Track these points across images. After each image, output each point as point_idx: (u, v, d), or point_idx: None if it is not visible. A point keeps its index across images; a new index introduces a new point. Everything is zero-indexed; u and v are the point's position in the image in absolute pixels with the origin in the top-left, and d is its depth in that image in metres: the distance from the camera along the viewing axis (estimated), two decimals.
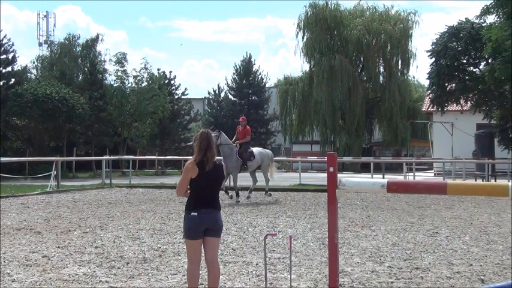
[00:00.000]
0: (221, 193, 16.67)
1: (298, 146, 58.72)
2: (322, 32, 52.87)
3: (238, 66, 65.16)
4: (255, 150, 22.57)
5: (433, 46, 38.19)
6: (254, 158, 21.86)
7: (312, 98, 52.73)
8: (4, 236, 12.76)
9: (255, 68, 65.21)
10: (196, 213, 6.70)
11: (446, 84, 38.00)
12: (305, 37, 54.16)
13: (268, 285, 7.47)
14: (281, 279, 8.55)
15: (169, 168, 49.98)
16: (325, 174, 5.61)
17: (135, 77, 49.83)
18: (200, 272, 7.06)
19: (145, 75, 50.09)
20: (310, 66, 54.63)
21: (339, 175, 5.54)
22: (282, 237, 12.23)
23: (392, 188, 5.44)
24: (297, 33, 54.79)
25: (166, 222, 15.17)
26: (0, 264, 9.59)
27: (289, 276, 8.17)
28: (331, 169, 5.49)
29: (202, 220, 6.71)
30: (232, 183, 22.02)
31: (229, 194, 21.16)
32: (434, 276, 8.85)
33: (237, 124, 23.32)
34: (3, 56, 46.68)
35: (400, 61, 54.43)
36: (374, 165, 35.81)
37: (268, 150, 23.85)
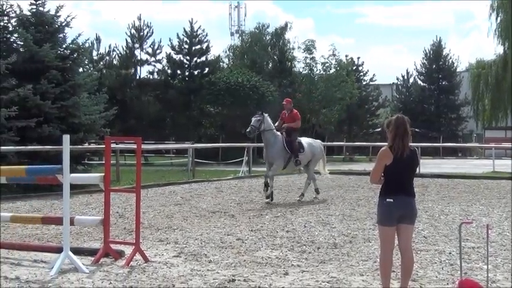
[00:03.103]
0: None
1: (491, 132, 56.31)
2: None
3: (427, 51, 63.54)
4: (304, 141, 17.94)
5: None
6: (304, 151, 17.41)
7: (506, 82, 50.24)
8: (201, 218, 13.32)
9: (445, 52, 63.25)
10: (391, 200, 6.58)
11: None
12: (499, 18, 51.52)
13: (462, 274, 7.21)
14: (476, 269, 8.23)
15: (357, 155, 49.80)
16: None
17: (323, 63, 50.07)
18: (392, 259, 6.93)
19: (333, 61, 50.15)
20: (504, 49, 51.97)
21: None
22: (476, 226, 11.76)
23: None
24: (490, 14, 52.23)
25: (356, 208, 15.10)
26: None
27: (484, 266, 7.84)
28: None
29: (398, 207, 6.58)
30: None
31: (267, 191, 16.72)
32: None
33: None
34: (198, 47, 48.69)
35: None
36: None
37: (318, 141, 19.38)
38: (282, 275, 7.91)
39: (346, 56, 54.89)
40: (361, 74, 59.08)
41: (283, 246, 9.87)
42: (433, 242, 10.28)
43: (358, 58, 59.56)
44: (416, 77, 64.35)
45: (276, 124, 17.55)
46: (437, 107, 61.49)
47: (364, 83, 58.68)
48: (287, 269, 8.26)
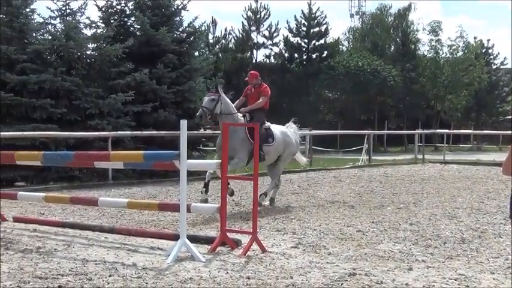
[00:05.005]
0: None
1: None
2: None
3: None
4: (275, 128, 13.89)
5: None
6: (274, 141, 13.51)
7: None
8: (319, 208, 13.30)
9: None
10: None
11: None
12: None
13: None
14: None
15: (485, 144, 48.38)
16: None
17: (449, 46, 48.94)
18: None
19: (461, 44, 48.91)
20: None
21: None
22: None
23: None
24: None
25: (485, 201, 14.67)
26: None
27: None
28: None
29: None
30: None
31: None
32: None
33: None
34: (316, 29, 48.66)
35: None
36: None
37: (293, 128, 14.80)
38: (406, 270, 7.78)
39: (475, 38, 53.49)
40: (491, 57, 57.26)
41: (406, 240, 9.72)
42: None
43: (488, 40, 57.85)
44: None
45: (236, 103, 13.46)
46: None
47: (494, 66, 56.86)
48: (411, 264, 8.13)
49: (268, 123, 13.69)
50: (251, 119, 13.14)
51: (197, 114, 12.68)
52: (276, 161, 13.99)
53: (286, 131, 14.20)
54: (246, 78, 13.76)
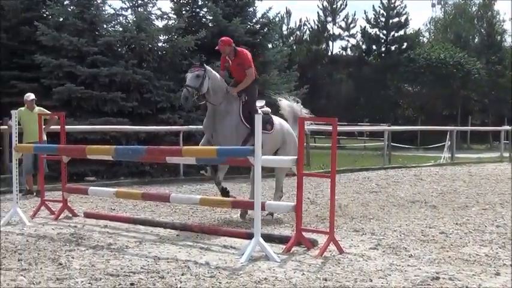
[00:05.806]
0: None
1: None
2: None
3: None
4: (276, 119, 11.75)
5: None
6: (273, 130, 11.36)
7: None
8: (399, 208, 13.15)
9: None
10: None
11: None
12: None
13: None
14: None
15: None
16: None
17: None
18: None
19: None
20: None
21: None
22: None
23: None
24: None
25: None
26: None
27: None
28: None
29: None
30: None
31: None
32: None
33: None
34: (396, 19, 48.13)
35: None
36: None
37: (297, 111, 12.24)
38: (493, 275, 7.61)
39: None
40: None
41: (493, 243, 9.51)
42: None
43: None
44: None
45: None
46: None
47: None
48: (498, 268, 7.94)
49: (267, 109, 11.57)
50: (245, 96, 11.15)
51: (181, 95, 10.76)
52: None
53: (283, 123, 11.85)
54: (217, 47, 11.36)
